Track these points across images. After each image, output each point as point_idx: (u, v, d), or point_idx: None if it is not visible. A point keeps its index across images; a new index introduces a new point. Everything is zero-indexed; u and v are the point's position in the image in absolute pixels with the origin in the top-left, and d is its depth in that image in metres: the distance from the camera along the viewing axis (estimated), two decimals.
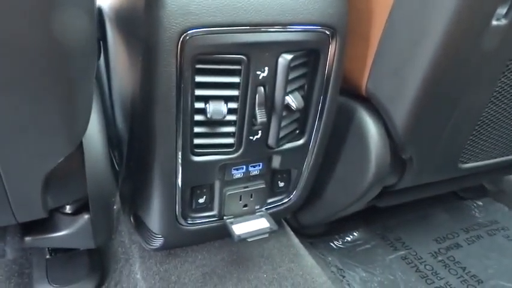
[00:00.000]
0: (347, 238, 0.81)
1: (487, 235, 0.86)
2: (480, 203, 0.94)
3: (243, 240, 0.54)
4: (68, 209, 0.49)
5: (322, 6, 0.46)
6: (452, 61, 0.47)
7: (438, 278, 0.74)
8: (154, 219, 0.54)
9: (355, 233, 0.83)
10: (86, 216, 0.47)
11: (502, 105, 0.59)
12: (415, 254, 0.80)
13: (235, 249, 0.64)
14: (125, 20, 0.48)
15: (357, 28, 0.51)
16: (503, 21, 0.46)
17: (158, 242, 0.58)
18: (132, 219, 0.63)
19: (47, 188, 0.40)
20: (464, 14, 0.43)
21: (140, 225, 0.61)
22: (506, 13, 0.46)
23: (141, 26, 0.42)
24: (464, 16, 0.44)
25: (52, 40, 0.29)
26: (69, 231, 0.49)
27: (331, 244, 0.80)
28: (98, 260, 0.63)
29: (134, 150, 0.52)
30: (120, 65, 0.53)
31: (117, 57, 0.54)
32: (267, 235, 0.54)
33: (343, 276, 0.73)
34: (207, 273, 0.60)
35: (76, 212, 0.50)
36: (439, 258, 0.79)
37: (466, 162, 0.66)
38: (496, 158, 0.68)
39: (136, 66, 0.46)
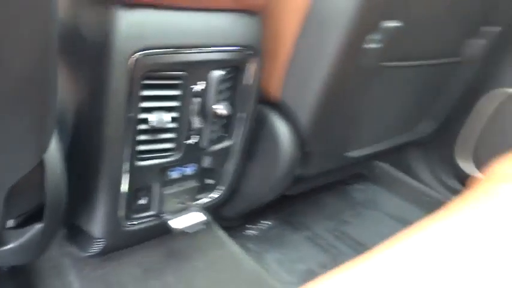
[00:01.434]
0: (260, 226, 0.93)
1: (367, 211, 1.06)
2: (361, 187, 1.15)
3: (181, 232, 0.61)
4: (12, 222, 0.50)
5: (244, 31, 0.56)
6: (342, 76, 0.61)
7: (334, 249, 0.91)
8: (97, 224, 0.58)
9: (266, 221, 0.95)
10: (38, 226, 0.49)
11: (375, 106, 0.76)
12: (315, 232, 0.95)
13: (170, 244, 0.70)
14: (70, 37, 0.51)
15: (271, 49, 0.62)
16: (375, 46, 0.62)
17: (99, 246, 0.61)
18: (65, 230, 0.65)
19: (7, 201, 0.42)
20: (344, 42, 0.58)
21: (76, 234, 0.63)
22: (378, 40, 0.62)
23: (91, 47, 0.47)
24: (345, 44, 0.58)
25: (19, 56, 0.32)
26: (15, 245, 0.50)
27: (248, 232, 0.91)
28: (25, 279, 0.62)
29: (78, 162, 0.55)
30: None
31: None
32: (204, 226, 0.62)
33: (263, 259, 0.84)
34: (147, 270, 0.65)
35: (20, 225, 0.51)
36: (334, 233, 0.96)
37: (350, 152, 0.82)
38: (370, 146, 0.87)
39: (82, 82, 0.50)
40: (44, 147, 0.41)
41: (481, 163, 1.04)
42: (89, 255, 0.64)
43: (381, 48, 0.62)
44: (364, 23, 0.58)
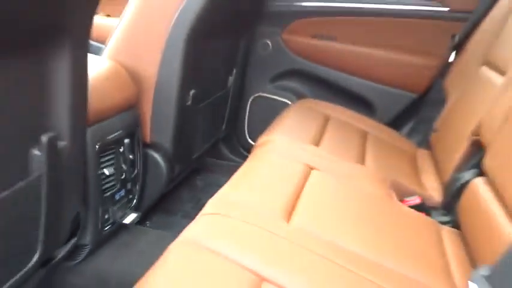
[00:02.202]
0: (154, 218, 1.48)
1: (208, 189, 1.71)
2: (201, 177, 1.80)
3: (126, 226, 1.14)
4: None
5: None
6: (181, 114, 1.24)
7: None
8: (87, 235, 1.05)
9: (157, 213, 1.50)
10: (74, 240, 0.95)
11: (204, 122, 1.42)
12: (186, 211, 1.55)
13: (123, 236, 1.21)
14: None
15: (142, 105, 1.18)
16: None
17: (85, 252, 1.08)
18: None
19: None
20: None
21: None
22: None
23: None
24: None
25: None
26: (64, 254, 0.95)
27: (147, 224, 1.45)
28: None
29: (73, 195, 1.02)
30: None
31: None
32: (138, 219, 1.16)
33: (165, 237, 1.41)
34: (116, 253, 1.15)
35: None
36: (196, 206, 1.58)
37: (194, 155, 1.46)
38: (202, 148, 1.52)
39: None
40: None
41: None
42: (75, 263, 1.09)
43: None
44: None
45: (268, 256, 0.70)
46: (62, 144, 0.77)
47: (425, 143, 1.52)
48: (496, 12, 1.38)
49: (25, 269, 0.80)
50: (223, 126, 1.72)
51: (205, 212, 0.81)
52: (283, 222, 0.81)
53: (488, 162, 0.93)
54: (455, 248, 0.90)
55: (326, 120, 1.47)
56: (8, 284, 0.76)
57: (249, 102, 1.87)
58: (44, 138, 0.73)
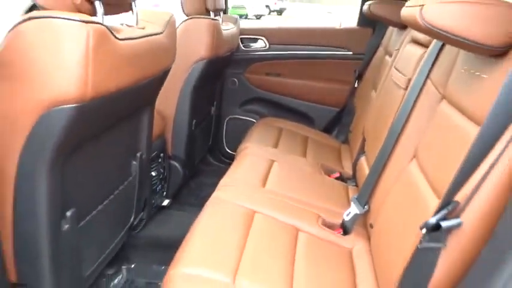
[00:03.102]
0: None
1: (202, 191, 2.43)
2: (193, 180, 2.51)
3: None
4: None
5: None
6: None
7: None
8: None
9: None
10: None
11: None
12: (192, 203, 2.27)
13: None
14: None
15: (166, 132, 1.91)
16: None
17: None
18: None
19: None
20: None
21: None
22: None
23: None
24: None
25: None
26: None
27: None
28: None
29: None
30: None
31: None
32: None
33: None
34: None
35: None
36: (194, 205, 2.30)
37: (196, 162, 2.19)
38: (200, 156, 2.25)
39: None
40: None
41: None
42: (136, 232, 1.78)
43: None
44: None
45: None
46: (144, 157, 1.49)
47: (346, 141, 2.33)
48: (377, 55, 2.23)
49: (127, 226, 1.50)
50: (210, 141, 2.46)
51: (221, 186, 1.54)
52: (261, 187, 1.56)
53: (366, 147, 1.73)
54: (352, 192, 1.69)
55: (280, 130, 2.24)
56: (122, 232, 1.46)
57: (225, 123, 2.62)
58: (138, 154, 1.44)
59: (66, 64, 0.80)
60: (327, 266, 1.23)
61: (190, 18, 1.82)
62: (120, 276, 1.67)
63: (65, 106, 0.82)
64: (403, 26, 1.90)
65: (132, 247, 1.74)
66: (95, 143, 1.07)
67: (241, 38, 2.53)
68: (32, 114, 0.83)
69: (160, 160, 1.79)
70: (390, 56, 1.96)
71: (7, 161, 0.87)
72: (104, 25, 0.84)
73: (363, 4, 2.32)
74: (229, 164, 1.79)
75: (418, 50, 1.45)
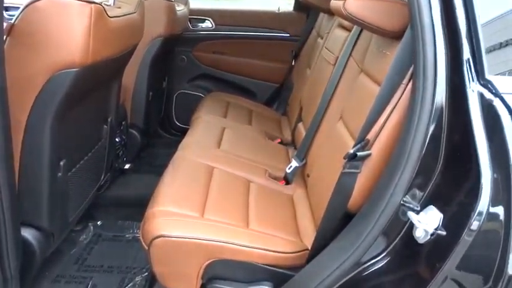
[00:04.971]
0: None
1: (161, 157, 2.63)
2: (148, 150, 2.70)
3: None
4: None
5: None
6: None
7: None
8: None
9: None
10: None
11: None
12: None
13: None
14: None
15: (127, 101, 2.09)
16: None
17: None
18: None
19: None
20: None
21: None
22: None
23: None
24: None
25: None
26: None
27: None
28: None
29: None
30: None
31: None
32: None
33: None
34: None
35: None
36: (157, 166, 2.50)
37: (151, 130, 2.38)
38: (155, 126, 2.45)
39: None
40: None
41: None
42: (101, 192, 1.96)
43: None
44: None
45: None
46: (112, 122, 1.68)
47: (285, 113, 2.66)
48: (311, 37, 2.56)
49: (97, 184, 1.69)
50: (162, 114, 2.66)
51: (181, 147, 1.78)
52: (216, 148, 1.82)
53: (303, 115, 2.07)
54: (292, 153, 2.02)
55: (227, 104, 2.51)
56: (94, 190, 1.65)
57: (175, 97, 2.83)
58: (109, 119, 1.63)
59: (73, 35, 0.99)
60: (273, 208, 1.53)
61: None
62: (88, 231, 1.86)
63: (71, 70, 1.01)
64: (332, 13, 2.24)
65: (97, 206, 1.92)
66: (80, 105, 1.26)
67: (189, 18, 2.73)
68: (44, 75, 1.01)
69: (122, 128, 1.97)
70: (322, 38, 2.30)
71: (21, 112, 1.04)
72: (101, 5, 1.05)
73: None
74: (179, 137, 2.00)
75: (343, 34, 1.79)
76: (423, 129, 0.86)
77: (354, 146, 1.08)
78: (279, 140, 2.25)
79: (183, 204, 1.32)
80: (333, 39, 1.93)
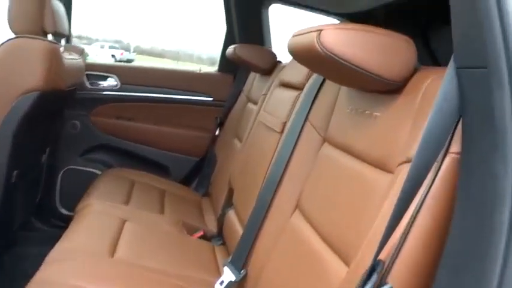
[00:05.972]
0: None
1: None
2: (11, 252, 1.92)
3: None
4: None
5: None
6: None
7: None
8: None
9: None
10: None
11: None
12: None
13: None
14: None
15: None
16: None
17: None
18: None
19: None
20: None
21: None
22: None
23: None
24: None
25: None
26: None
27: None
28: None
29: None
30: None
31: None
32: None
33: None
34: None
35: None
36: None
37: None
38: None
39: None
40: None
41: None
42: None
43: None
44: None
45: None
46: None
47: (207, 194, 2.11)
48: (239, 102, 2.13)
49: None
50: (38, 199, 1.93)
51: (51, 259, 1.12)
52: (109, 257, 1.19)
53: (235, 200, 1.53)
54: (220, 253, 1.44)
55: (132, 183, 1.89)
56: None
57: (60, 175, 2.13)
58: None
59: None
60: None
61: (19, 37, 1.41)
62: None
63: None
64: (266, 71, 1.85)
65: None
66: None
67: (87, 74, 2.15)
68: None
69: None
70: (253, 103, 1.87)
71: None
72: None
73: (224, 49, 2.23)
74: (63, 228, 1.36)
75: (291, 93, 1.36)
76: None
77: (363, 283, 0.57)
78: (202, 233, 1.67)
79: None
80: (275, 101, 1.50)
